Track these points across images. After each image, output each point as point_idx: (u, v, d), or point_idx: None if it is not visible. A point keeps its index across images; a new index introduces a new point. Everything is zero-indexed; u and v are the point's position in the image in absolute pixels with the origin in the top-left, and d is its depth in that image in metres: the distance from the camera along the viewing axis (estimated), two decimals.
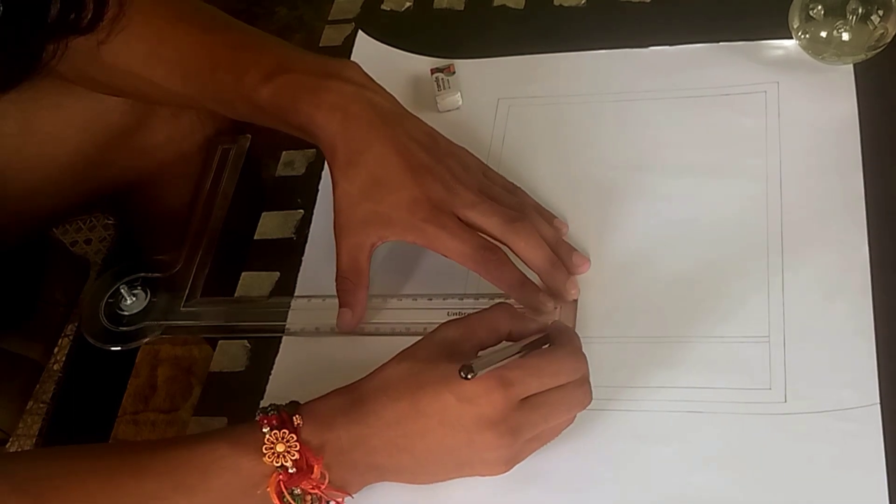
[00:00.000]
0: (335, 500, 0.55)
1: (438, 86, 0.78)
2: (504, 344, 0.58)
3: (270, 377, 0.66)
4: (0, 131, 0.77)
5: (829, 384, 0.58)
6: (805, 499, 0.54)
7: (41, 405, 0.85)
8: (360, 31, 0.85)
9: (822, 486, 0.54)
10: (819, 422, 0.56)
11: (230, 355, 0.68)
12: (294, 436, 0.53)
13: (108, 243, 0.93)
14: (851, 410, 0.56)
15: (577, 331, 0.63)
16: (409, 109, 0.67)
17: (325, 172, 0.76)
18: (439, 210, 0.63)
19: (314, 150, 0.78)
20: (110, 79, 0.72)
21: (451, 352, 0.56)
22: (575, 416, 0.57)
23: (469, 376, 0.52)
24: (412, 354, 0.56)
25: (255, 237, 0.74)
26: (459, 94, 0.78)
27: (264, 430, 0.54)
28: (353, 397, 0.55)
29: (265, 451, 0.53)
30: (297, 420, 0.54)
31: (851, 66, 0.71)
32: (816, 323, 0.60)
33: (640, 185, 0.70)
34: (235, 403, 0.65)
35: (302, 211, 0.75)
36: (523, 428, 0.55)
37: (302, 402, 0.56)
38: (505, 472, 0.56)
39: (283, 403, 0.56)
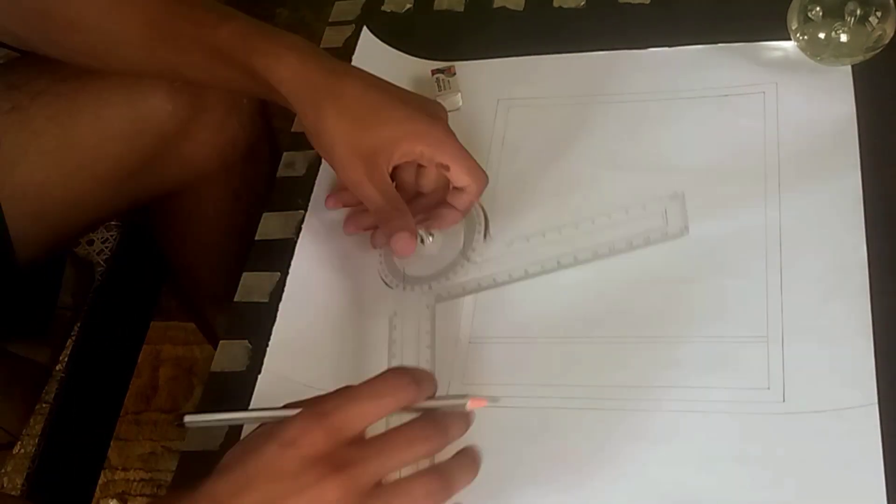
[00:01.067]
0: None
1: (439, 86, 0.78)
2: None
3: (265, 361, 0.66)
4: (39, 148, 0.78)
5: (827, 384, 0.58)
6: (803, 498, 0.54)
7: (44, 405, 0.85)
8: (364, 28, 0.85)
9: (821, 485, 0.54)
10: (817, 421, 0.57)
11: (231, 355, 0.68)
12: None
13: (112, 244, 0.94)
14: (850, 410, 0.56)
15: (576, 331, 0.64)
16: None
17: (322, 173, 0.76)
18: (439, 118, 0.64)
19: (314, 150, 0.78)
20: (65, 37, 0.71)
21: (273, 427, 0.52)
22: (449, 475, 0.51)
23: (182, 422, 0.52)
24: (242, 439, 0.53)
25: (256, 237, 0.74)
26: (460, 95, 0.78)
27: None
28: (192, 488, 0.51)
29: None
30: None
31: (850, 67, 0.71)
32: (815, 323, 0.60)
33: (639, 184, 0.70)
34: (236, 403, 0.65)
35: (302, 211, 0.75)
36: (353, 463, 0.49)
37: None
38: None
39: None
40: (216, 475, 0.51)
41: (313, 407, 0.51)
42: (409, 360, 0.62)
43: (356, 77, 0.65)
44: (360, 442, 0.51)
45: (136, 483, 1.31)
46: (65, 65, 0.77)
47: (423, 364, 0.61)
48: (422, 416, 0.52)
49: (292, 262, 0.71)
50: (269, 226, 0.75)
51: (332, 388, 0.55)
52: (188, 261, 0.98)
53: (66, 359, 0.87)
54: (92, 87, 0.78)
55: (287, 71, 0.63)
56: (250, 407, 0.64)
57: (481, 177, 0.65)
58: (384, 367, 0.59)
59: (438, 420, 0.52)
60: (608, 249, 0.63)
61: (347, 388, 0.52)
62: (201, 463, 0.64)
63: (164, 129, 0.80)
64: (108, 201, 0.84)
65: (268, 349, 0.67)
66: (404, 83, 0.80)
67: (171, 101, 0.79)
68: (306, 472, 0.49)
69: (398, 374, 0.52)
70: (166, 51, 0.69)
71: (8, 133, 0.76)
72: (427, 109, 0.66)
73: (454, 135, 0.65)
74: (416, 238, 0.63)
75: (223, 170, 0.86)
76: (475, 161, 0.65)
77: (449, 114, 0.78)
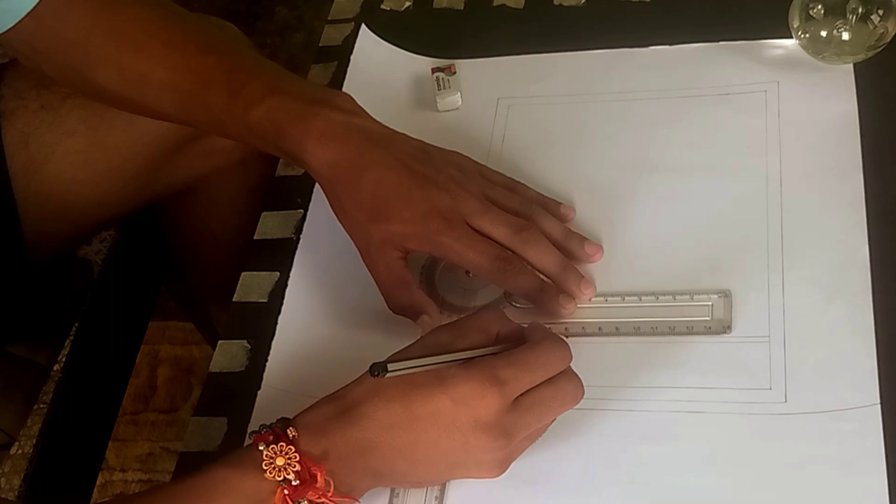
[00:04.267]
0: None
1: (439, 85, 0.78)
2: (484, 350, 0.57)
3: (265, 371, 0.66)
4: (69, 148, 0.78)
5: (829, 384, 0.58)
6: (805, 499, 0.54)
7: (41, 406, 0.85)
8: (363, 26, 0.85)
9: (822, 486, 0.54)
10: (819, 422, 0.56)
11: (230, 355, 0.68)
12: (292, 447, 0.53)
13: (109, 243, 0.93)
14: (852, 410, 0.56)
15: (577, 331, 0.63)
16: (408, 108, 0.67)
17: None
18: (450, 221, 0.63)
19: None
20: (100, 97, 0.73)
21: (445, 349, 0.55)
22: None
23: (380, 374, 0.53)
24: (402, 357, 0.55)
25: (255, 237, 0.74)
26: (459, 94, 0.78)
27: (261, 447, 0.53)
28: (344, 403, 0.55)
29: (265, 468, 0.52)
30: (291, 432, 0.53)
31: (851, 65, 0.71)
32: (817, 323, 0.60)
33: (639, 184, 0.70)
34: (235, 403, 0.65)
35: (301, 211, 0.75)
36: (518, 429, 0.54)
37: (291, 417, 0.55)
38: (499, 475, 0.55)
39: (274, 421, 0.55)
40: (370, 395, 0.54)
41: (490, 371, 0.54)
42: None
43: (379, 164, 0.64)
44: (520, 406, 0.54)
45: (134, 484, 1.31)
46: None
47: None
48: (551, 340, 0.57)
49: (290, 274, 0.71)
50: (268, 225, 0.75)
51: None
52: (199, 257, 0.98)
53: (63, 359, 0.87)
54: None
55: (314, 162, 0.64)
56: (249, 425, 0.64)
57: (492, 275, 0.63)
58: None
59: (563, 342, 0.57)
60: (651, 329, 0.62)
61: (519, 353, 0.55)
62: (200, 463, 0.63)
63: (190, 128, 0.80)
64: (131, 199, 0.84)
65: (266, 365, 0.66)
66: (404, 80, 0.80)
67: None
68: (477, 435, 0.53)
69: (560, 344, 0.57)
70: (201, 122, 0.70)
71: (37, 131, 0.76)
72: (440, 206, 0.63)
73: (466, 234, 0.63)
74: (433, 315, 0.63)
75: (240, 165, 0.86)
76: (484, 259, 0.63)
77: (448, 113, 0.78)
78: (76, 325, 0.88)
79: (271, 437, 0.53)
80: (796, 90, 0.71)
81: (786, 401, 0.57)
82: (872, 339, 0.58)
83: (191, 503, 0.53)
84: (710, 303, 0.63)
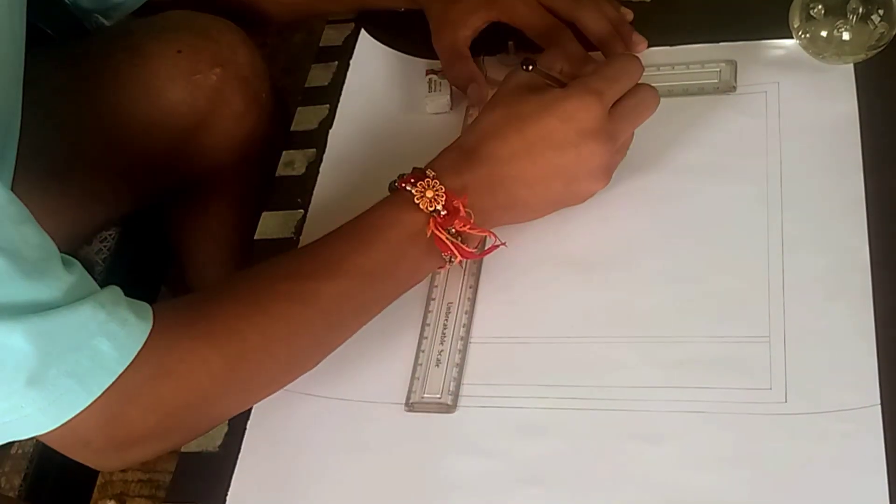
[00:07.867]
0: (478, 238, 0.63)
1: (430, 87, 0.78)
2: None
3: None
4: (61, 141, 0.78)
5: (829, 385, 0.58)
6: (805, 499, 0.54)
7: None
8: (362, 31, 0.85)
9: (823, 486, 0.54)
10: (820, 422, 0.56)
11: None
12: (437, 181, 0.60)
13: (110, 243, 0.93)
14: (852, 411, 0.56)
15: (576, 331, 0.63)
16: (401, 110, 0.67)
17: (323, 172, 0.76)
18: None
19: (314, 150, 0.78)
20: None
21: (532, 87, 0.63)
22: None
23: (530, 67, 0.62)
24: (498, 102, 0.63)
25: (255, 237, 0.74)
26: (449, 97, 0.78)
27: (408, 188, 0.60)
28: (464, 149, 0.63)
29: (418, 201, 0.60)
30: (430, 173, 0.61)
31: (852, 65, 0.71)
32: (817, 323, 0.60)
33: (639, 184, 0.70)
34: None
35: (302, 211, 0.75)
36: (618, 133, 0.63)
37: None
38: (606, 183, 0.64)
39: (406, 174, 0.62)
40: (488, 137, 0.62)
41: (585, 86, 0.62)
42: None
43: None
44: (615, 114, 0.63)
45: (134, 483, 1.31)
46: (83, 60, 0.78)
47: None
48: (625, 55, 0.66)
49: None
50: (269, 225, 0.75)
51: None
52: (200, 256, 0.98)
53: None
54: (112, 83, 0.78)
55: None
56: (249, 424, 0.64)
57: (557, 38, 0.73)
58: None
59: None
60: (667, 92, 0.72)
61: (607, 67, 0.64)
62: (200, 463, 0.63)
63: (183, 122, 0.80)
64: (127, 195, 0.84)
65: None
66: (402, 83, 0.80)
67: (190, 94, 0.80)
68: (587, 143, 0.62)
69: (633, 59, 0.65)
70: None
71: (29, 126, 0.76)
72: None
73: (530, 2, 0.74)
74: (481, 85, 0.74)
75: (241, 163, 0.86)
76: (546, 22, 0.74)
77: (439, 115, 0.78)
78: None
79: (413, 179, 0.61)
80: (797, 91, 0.71)
81: (786, 401, 0.58)
82: (873, 340, 0.58)
83: (362, 236, 0.61)
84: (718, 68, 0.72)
